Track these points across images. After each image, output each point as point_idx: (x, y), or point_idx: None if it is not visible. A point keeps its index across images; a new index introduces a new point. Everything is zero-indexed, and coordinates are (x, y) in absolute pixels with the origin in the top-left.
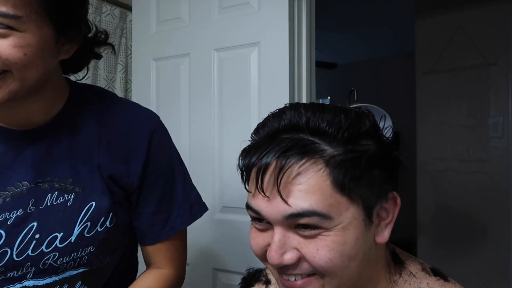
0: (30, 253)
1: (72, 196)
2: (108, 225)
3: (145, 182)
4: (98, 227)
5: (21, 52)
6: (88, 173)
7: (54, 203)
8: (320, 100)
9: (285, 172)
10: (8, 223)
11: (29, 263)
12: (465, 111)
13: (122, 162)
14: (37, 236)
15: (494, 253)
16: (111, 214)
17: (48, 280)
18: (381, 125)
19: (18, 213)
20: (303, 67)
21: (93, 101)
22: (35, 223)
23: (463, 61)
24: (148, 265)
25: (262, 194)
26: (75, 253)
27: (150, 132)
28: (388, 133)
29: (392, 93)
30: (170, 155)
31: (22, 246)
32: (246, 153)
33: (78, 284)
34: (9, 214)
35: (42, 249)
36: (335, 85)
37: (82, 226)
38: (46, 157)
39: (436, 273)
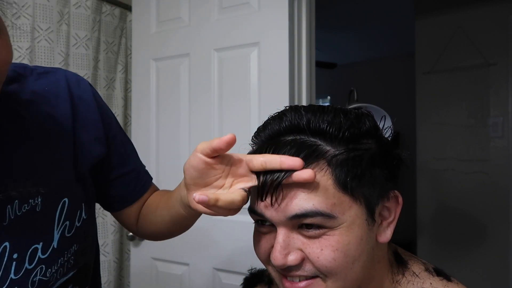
0: (13, 277)
1: (40, 199)
2: (84, 217)
3: (109, 139)
4: (76, 223)
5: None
6: (50, 167)
7: (18, 213)
8: (320, 100)
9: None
10: None
11: (16, 287)
12: (465, 111)
13: (89, 136)
14: (15, 256)
15: (494, 253)
16: (83, 204)
17: None
18: (380, 125)
19: None
20: (303, 67)
21: (21, 78)
22: (6, 243)
23: (463, 61)
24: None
25: (266, 198)
26: (62, 258)
27: (80, 86)
28: (387, 133)
29: (392, 93)
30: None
31: (1, 272)
32: None
33: (70, 287)
34: None
35: (26, 267)
36: (335, 85)
37: (62, 228)
38: None
39: (439, 273)
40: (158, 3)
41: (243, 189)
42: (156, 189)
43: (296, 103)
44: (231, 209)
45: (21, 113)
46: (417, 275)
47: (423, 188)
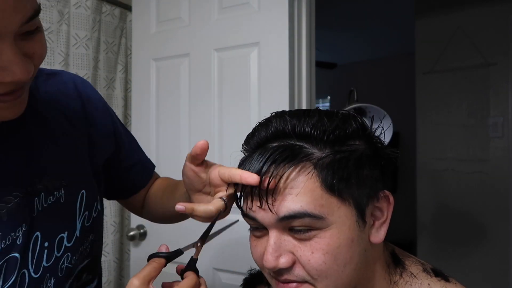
0: (45, 264)
1: (63, 192)
2: (99, 208)
3: (117, 134)
4: (93, 213)
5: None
6: (70, 162)
7: (45, 205)
8: (320, 100)
9: (276, 179)
10: (18, 242)
11: (48, 274)
12: (465, 111)
13: (100, 135)
14: (46, 244)
15: (494, 253)
16: (98, 196)
17: (67, 286)
18: (380, 125)
19: (23, 228)
20: (303, 67)
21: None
22: (38, 233)
23: (463, 61)
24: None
25: (258, 204)
26: (82, 246)
27: (87, 86)
28: (378, 132)
29: (392, 93)
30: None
31: (35, 260)
32: (239, 166)
33: (85, 275)
34: (15, 234)
35: (55, 255)
36: (335, 85)
37: (82, 217)
38: (22, 158)
39: (437, 273)
40: (158, 3)
41: (221, 198)
42: (157, 176)
43: (296, 103)
44: (209, 217)
45: (43, 112)
46: (414, 276)
47: (423, 188)
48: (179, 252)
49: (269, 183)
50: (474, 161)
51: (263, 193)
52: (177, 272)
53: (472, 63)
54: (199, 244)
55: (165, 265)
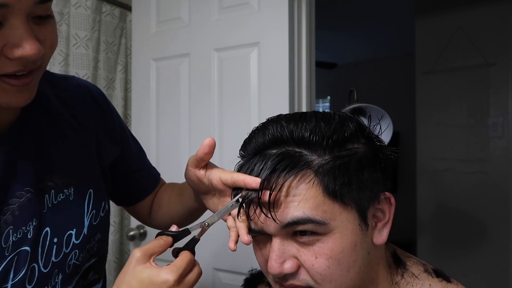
0: (54, 260)
1: (72, 190)
2: (107, 208)
3: (124, 140)
4: (101, 213)
5: None
6: (80, 161)
7: (55, 202)
8: (320, 100)
9: (277, 189)
10: (29, 236)
11: (56, 270)
12: (465, 111)
13: (108, 138)
14: (55, 240)
15: (494, 253)
16: (106, 196)
17: (74, 283)
18: (378, 123)
19: (34, 223)
20: (303, 67)
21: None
22: (47, 228)
23: (463, 61)
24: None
25: (261, 220)
26: (89, 245)
27: (98, 91)
28: (377, 130)
29: (392, 93)
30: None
31: (45, 255)
32: (238, 171)
33: (91, 274)
34: (26, 228)
35: (64, 251)
36: (335, 85)
37: (90, 216)
38: (33, 154)
39: (438, 274)
40: (158, 3)
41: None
42: (164, 182)
43: (296, 103)
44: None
45: (54, 112)
46: (416, 276)
47: (423, 188)
48: (186, 232)
49: (270, 195)
50: (474, 161)
51: (266, 205)
52: (172, 254)
53: (472, 63)
54: (206, 224)
55: (172, 244)
